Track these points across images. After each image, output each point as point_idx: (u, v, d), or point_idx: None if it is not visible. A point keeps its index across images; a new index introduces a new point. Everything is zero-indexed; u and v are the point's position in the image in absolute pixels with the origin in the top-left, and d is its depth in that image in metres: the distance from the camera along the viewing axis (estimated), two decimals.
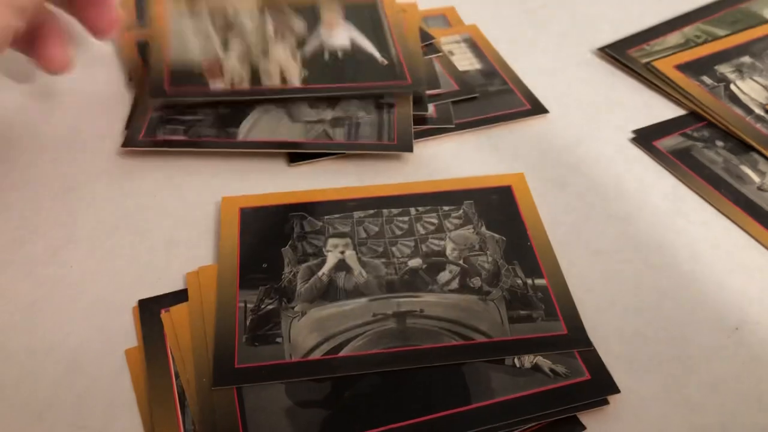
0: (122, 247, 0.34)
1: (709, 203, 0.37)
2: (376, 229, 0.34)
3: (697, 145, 0.40)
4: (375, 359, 0.28)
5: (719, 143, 0.40)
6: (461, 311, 0.30)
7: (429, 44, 0.46)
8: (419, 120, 0.40)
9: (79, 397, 0.28)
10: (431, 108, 0.41)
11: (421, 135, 0.40)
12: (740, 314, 0.31)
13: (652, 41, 0.47)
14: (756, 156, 0.39)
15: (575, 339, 0.30)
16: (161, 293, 0.32)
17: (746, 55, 0.45)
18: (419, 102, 0.41)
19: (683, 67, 0.44)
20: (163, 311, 0.31)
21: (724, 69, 0.44)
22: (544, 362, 0.28)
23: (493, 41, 0.48)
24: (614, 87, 0.45)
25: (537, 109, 0.42)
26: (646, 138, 0.40)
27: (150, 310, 0.31)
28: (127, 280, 0.33)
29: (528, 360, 0.28)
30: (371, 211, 0.35)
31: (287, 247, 0.33)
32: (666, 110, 0.42)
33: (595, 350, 0.29)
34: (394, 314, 0.30)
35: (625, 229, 0.35)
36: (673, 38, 0.47)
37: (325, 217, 0.34)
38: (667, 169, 0.39)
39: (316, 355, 0.28)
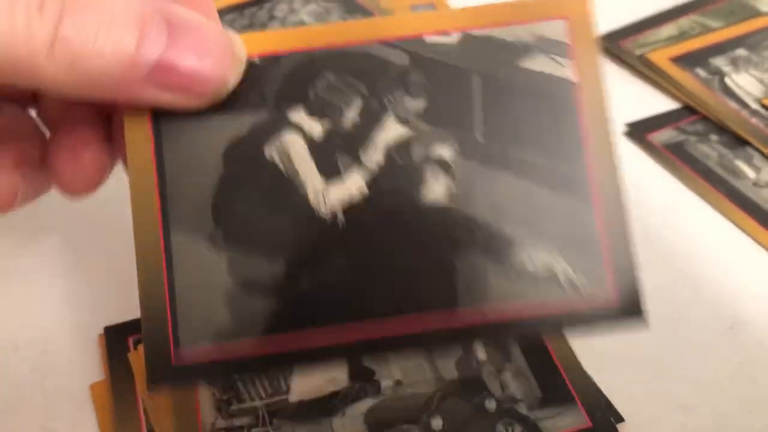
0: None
1: (703, 199, 0.36)
2: None
3: (691, 139, 0.39)
4: None
5: (713, 137, 0.39)
6: None
7: None
8: None
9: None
10: None
11: None
12: (734, 313, 0.31)
13: (645, 32, 0.46)
14: (751, 151, 0.38)
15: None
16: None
17: (741, 48, 0.44)
18: None
19: (677, 60, 0.43)
20: (131, 349, 0.28)
21: (719, 62, 0.43)
22: (562, 265, 0.21)
23: None
24: (607, 79, 0.44)
25: None
26: (639, 131, 0.39)
27: (117, 339, 0.28)
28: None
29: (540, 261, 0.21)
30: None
31: None
32: (659, 103, 0.41)
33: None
34: None
35: None
36: (668, 30, 0.46)
37: None
38: (660, 164, 0.38)
39: None
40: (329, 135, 0.22)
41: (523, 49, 0.22)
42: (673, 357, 0.29)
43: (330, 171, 0.21)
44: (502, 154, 0.22)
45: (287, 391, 0.27)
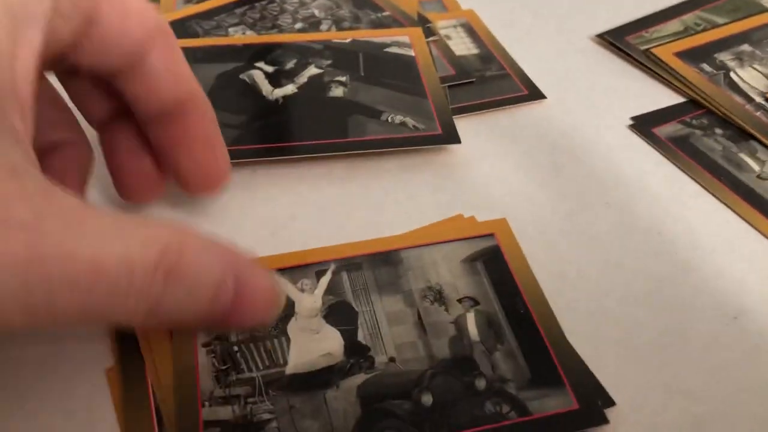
0: None
1: (708, 191, 0.36)
2: None
3: (696, 133, 0.39)
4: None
5: (718, 131, 0.39)
6: None
7: (426, 28, 0.45)
8: None
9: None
10: None
11: None
12: (739, 303, 0.31)
13: (651, 28, 0.46)
14: (755, 144, 0.38)
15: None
16: None
17: (746, 43, 0.44)
18: None
19: (683, 55, 0.43)
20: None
21: (724, 57, 0.43)
22: (409, 120, 0.38)
23: (491, 26, 0.47)
24: (612, 73, 0.44)
25: (534, 94, 0.42)
26: (644, 125, 0.40)
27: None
28: None
29: (398, 119, 0.38)
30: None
31: None
32: (665, 97, 0.42)
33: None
34: None
35: (622, 216, 0.35)
36: (673, 25, 0.47)
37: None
38: (665, 157, 0.38)
39: None
40: (277, 72, 0.40)
41: (387, 44, 0.43)
42: (677, 345, 0.29)
43: (276, 85, 0.40)
44: (375, 79, 0.40)
45: (284, 364, 0.28)
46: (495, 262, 0.31)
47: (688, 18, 0.47)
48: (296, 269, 0.30)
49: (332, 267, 0.31)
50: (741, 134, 0.39)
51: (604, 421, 0.26)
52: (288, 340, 0.28)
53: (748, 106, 0.40)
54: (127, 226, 0.21)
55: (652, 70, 0.43)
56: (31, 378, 0.28)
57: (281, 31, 0.45)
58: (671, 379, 0.28)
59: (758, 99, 0.40)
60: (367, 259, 0.31)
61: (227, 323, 0.23)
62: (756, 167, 0.37)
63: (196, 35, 0.44)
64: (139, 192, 0.32)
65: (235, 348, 0.28)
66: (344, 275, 0.31)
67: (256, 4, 0.47)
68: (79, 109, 0.31)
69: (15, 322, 0.19)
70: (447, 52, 0.44)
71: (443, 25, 0.47)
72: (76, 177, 0.29)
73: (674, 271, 0.32)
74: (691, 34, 0.45)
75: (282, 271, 0.30)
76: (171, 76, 0.28)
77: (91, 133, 0.31)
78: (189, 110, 0.29)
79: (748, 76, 0.42)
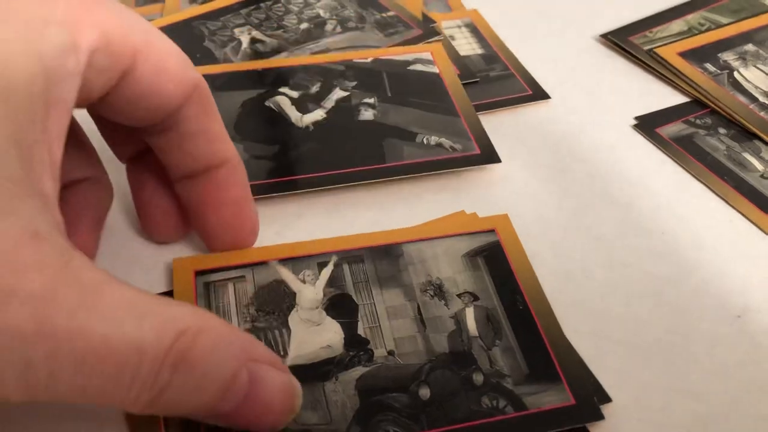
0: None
1: (712, 190, 0.36)
2: None
3: (699, 133, 0.39)
4: None
5: (722, 131, 0.39)
6: None
7: (430, 28, 0.45)
8: None
9: None
10: None
11: None
12: (743, 302, 0.31)
13: (654, 28, 0.47)
14: (759, 144, 0.38)
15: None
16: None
17: (750, 43, 0.44)
18: None
19: (686, 55, 0.43)
20: None
21: (728, 56, 0.43)
22: (445, 141, 0.37)
23: (495, 26, 0.47)
24: (616, 73, 0.44)
25: (538, 94, 0.42)
26: (648, 125, 0.40)
27: None
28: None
29: (433, 139, 0.37)
30: None
31: None
32: (668, 97, 0.42)
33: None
34: None
35: (626, 215, 0.35)
36: (677, 26, 0.47)
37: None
38: (669, 156, 0.38)
39: None
40: (302, 97, 0.39)
41: (409, 62, 0.42)
42: (681, 345, 0.30)
43: (303, 110, 0.38)
44: (403, 99, 0.39)
45: (284, 356, 0.28)
46: (496, 258, 0.31)
47: (692, 18, 0.47)
48: (298, 260, 0.30)
49: (334, 259, 0.31)
50: (745, 134, 0.39)
51: (599, 417, 0.26)
52: (289, 331, 0.28)
53: (751, 106, 0.40)
54: (146, 305, 0.20)
55: (656, 70, 0.43)
56: None
57: (286, 31, 0.45)
58: (675, 379, 0.28)
59: (762, 99, 0.40)
60: (369, 252, 0.31)
61: (234, 422, 0.22)
62: (760, 167, 0.37)
63: (201, 36, 0.44)
64: (163, 231, 0.31)
65: None
66: (345, 267, 0.31)
67: (261, 5, 0.47)
68: (107, 143, 0.30)
69: (12, 397, 0.18)
70: (451, 52, 0.44)
71: (447, 25, 0.47)
72: (93, 215, 0.29)
73: (678, 270, 0.32)
74: (695, 34, 0.45)
75: (284, 261, 0.30)
76: (204, 138, 0.27)
77: (117, 165, 0.31)
78: (221, 172, 0.28)
79: (751, 76, 0.42)
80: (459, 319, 0.29)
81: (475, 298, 0.30)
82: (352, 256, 0.31)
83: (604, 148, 0.39)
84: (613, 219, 0.35)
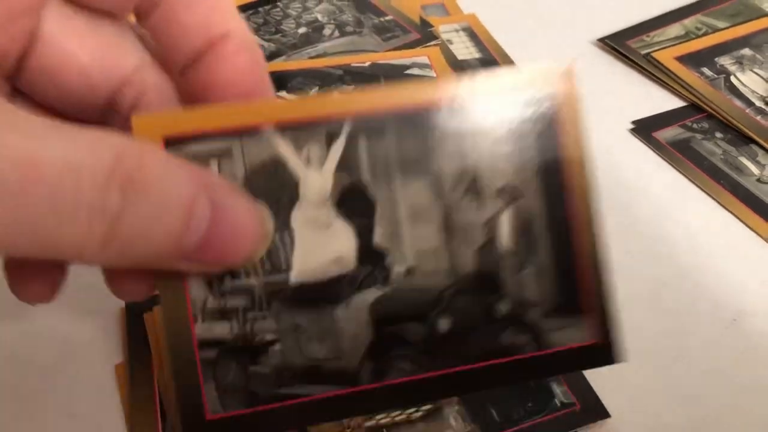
0: None
1: (709, 195, 0.36)
2: None
3: (696, 137, 0.39)
4: None
5: (719, 135, 0.39)
6: None
7: (428, 32, 0.45)
8: None
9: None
10: None
11: None
12: (738, 305, 0.31)
13: (652, 32, 0.47)
14: (755, 148, 0.38)
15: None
16: None
17: (746, 48, 0.44)
18: None
19: (683, 59, 0.44)
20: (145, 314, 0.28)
21: (725, 61, 0.43)
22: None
23: (492, 30, 0.47)
24: (614, 78, 0.44)
25: None
26: (645, 129, 0.40)
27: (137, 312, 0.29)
28: None
29: None
30: None
31: None
32: (665, 101, 0.42)
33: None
34: None
35: (623, 219, 0.35)
36: (674, 30, 0.47)
37: None
38: (666, 161, 0.38)
39: None
40: None
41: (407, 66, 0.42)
42: (677, 348, 0.30)
43: None
44: None
45: (288, 270, 0.23)
46: (549, 136, 0.24)
47: (689, 22, 0.48)
48: (300, 129, 0.22)
49: (347, 129, 0.22)
50: (741, 138, 0.39)
51: (623, 359, 0.24)
52: (291, 235, 0.22)
53: (748, 110, 0.40)
54: (73, 128, 0.17)
55: (653, 74, 0.44)
56: (36, 381, 0.28)
57: (284, 35, 0.45)
58: (670, 382, 0.28)
59: (758, 103, 0.41)
60: (393, 120, 0.23)
61: (204, 258, 0.19)
62: (756, 171, 0.37)
63: None
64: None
65: None
66: (362, 143, 0.23)
67: (260, 9, 0.48)
68: None
69: None
70: (449, 56, 0.44)
71: (445, 29, 0.47)
72: None
73: (674, 273, 0.33)
74: (692, 39, 0.46)
75: (282, 130, 0.22)
76: (203, 4, 0.22)
77: None
78: (228, 49, 0.23)
79: (748, 80, 0.42)
80: (491, 228, 0.23)
81: (516, 195, 0.23)
82: (372, 125, 0.22)
83: (601, 152, 0.39)
84: (609, 222, 0.35)
